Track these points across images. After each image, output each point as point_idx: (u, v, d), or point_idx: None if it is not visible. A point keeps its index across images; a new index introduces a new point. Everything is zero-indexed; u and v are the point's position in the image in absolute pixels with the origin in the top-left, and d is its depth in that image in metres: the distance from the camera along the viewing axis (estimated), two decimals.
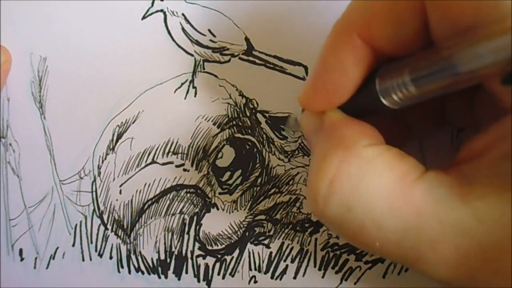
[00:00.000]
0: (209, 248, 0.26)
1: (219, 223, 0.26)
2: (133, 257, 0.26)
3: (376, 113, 0.19)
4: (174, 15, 0.26)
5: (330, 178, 0.17)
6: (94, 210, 0.27)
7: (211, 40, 0.26)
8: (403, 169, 0.17)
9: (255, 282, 0.26)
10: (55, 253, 0.27)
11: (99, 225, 0.27)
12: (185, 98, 0.26)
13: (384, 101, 0.17)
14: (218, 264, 0.26)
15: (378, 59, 0.18)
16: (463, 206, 0.15)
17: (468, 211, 0.15)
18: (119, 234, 0.27)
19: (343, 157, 0.17)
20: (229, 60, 0.26)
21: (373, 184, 0.16)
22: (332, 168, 0.17)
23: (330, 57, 0.18)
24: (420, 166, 0.17)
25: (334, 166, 0.17)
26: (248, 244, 0.26)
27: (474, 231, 0.15)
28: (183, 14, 0.26)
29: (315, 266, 0.25)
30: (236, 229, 0.26)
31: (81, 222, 0.27)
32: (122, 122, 0.26)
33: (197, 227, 0.26)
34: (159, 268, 0.26)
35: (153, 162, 0.26)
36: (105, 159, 0.27)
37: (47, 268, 0.27)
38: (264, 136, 0.26)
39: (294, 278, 0.25)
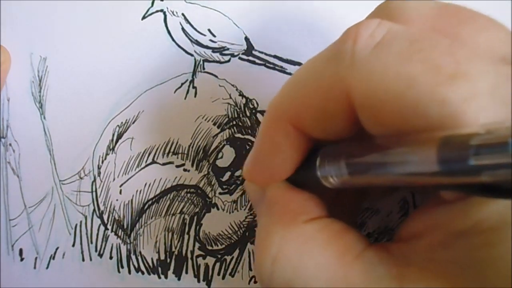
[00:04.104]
0: (209, 248, 0.26)
1: (219, 223, 0.26)
2: (133, 257, 0.26)
3: (320, 188, 0.18)
4: (174, 15, 0.26)
5: (273, 257, 0.17)
6: (94, 210, 0.27)
7: (211, 40, 0.26)
8: (344, 246, 0.17)
9: (255, 282, 0.26)
10: (55, 253, 0.27)
11: (99, 225, 0.27)
12: (185, 98, 0.26)
13: (325, 183, 0.17)
14: (218, 264, 0.26)
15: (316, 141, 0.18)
16: None
17: None
18: (119, 234, 0.27)
19: (283, 235, 0.17)
20: (229, 60, 0.26)
21: (312, 263, 0.16)
22: (274, 247, 0.17)
23: (267, 140, 0.18)
24: (362, 241, 0.17)
25: (276, 244, 0.17)
26: (248, 244, 0.26)
27: None
28: (183, 14, 0.26)
29: None
30: (236, 229, 0.26)
31: (81, 222, 0.27)
32: (122, 122, 0.26)
33: (197, 227, 0.26)
34: (159, 268, 0.26)
35: (153, 162, 0.26)
36: (105, 159, 0.27)
37: (47, 268, 0.27)
38: None
39: None
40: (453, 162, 0.11)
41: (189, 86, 0.26)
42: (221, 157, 0.26)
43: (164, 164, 0.26)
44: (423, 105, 0.13)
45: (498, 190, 0.12)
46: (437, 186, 0.15)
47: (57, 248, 0.27)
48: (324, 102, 0.16)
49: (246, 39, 0.26)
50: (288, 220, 0.17)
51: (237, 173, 0.26)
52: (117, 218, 0.26)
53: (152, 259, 0.26)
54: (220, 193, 0.26)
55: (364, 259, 0.16)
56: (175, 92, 0.26)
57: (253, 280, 0.26)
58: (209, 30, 0.26)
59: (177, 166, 0.26)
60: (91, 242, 0.27)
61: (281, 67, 0.25)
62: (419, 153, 0.13)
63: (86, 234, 0.27)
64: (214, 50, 0.26)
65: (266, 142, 0.18)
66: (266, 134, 0.18)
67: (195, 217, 0.26)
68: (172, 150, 0.26)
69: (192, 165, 0.26)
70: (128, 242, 0.26)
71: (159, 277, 0.26)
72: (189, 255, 0.26)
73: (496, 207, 0.14)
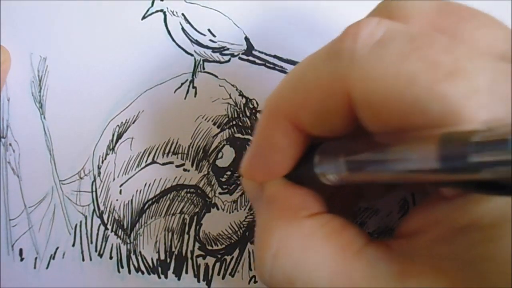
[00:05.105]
0: (209, 248, 0.26)
1: (219, 223, 0.26)
2: (133, 257, 0.26)
3: (318, 185, 0.18)
4: (174, 15, 0.26)
5: (274, 253, 0.17)
6: (94, 210, 0.27)
7: (211, 40, 0.26)
8: (345, 241, 0.17)
9: (255, 282, 0.26)
10: (55, 253, 0.27)
11: (99, 225, 0.27)
12: (185, 98, 0.26)
13: (323, 180, 0.17)
14: (218, 264, 0.26)
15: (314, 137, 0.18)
16: (399, 284, 0.15)
17: None
18: (119, 234, 0.27)
19: (284, 230, 0.17)
20: (229, 60, 0.26)
21: (313, 258, 0.16)
22: (275, 242, 0.17)
23: (265, 138, 0.18)
24: (362, 237, 0.17)
25: (276, 240, 0.17)
26: (248, 244, 0.26)
27: None
28: (183, 14, 0.26)
29: None
30: (236, 229, 0.26)
31: (81, 222, 0.27)
32: (122, 122, 0.26)
33: (197, 227, 0.26)
34: (159, 268, 0.26)
35: (153, 162, 0.26)
36: (105, 159, 0.27)
37: (47, 268, 0.27)
38: None
39: None
40: (453, 159, 0.11)
41: (189, 86, 0.26)
42: (221, 157, 0.26)
43: (164, 164, 0.26)
44: (423, 103, 0.13)
45: (497, 187, 0.12)
46: (436, 183, 0.15)
47: (57, 248, 0.27)
48: (323, 100, 0.16)
49: (246, 39, 0.26)
50: (289, 216, 0.17)
51: (237, 173, 0.26)
52: (117, 218, 0.26)
53: (152, 259, 0.26)
54: (220, 193, 0.26)
55: (365, 255, 0.16)
56: (175, 92, 0.26)
57: (253, 280, 0.26)
58: (209, 30, 0.26)
59: (177, 166, 0.26)
60: (91, 242, 0.27)
61: (281, 67, 0.25)
62: (419, 150, 0.13)
63: (86, 234, 0.27)
64: (214, 50, 0.26)
65: (263, 139, 0.18)
66: (264, 131, 0.18)
67: (195, 217, 0.26)
68: (172, 150, 0.26)
69: (192, 165, 0.26)
70: (128, 242, 0.26)
71: (159, 277, 0.26)
72: (189, 255, 0.26)
73: (496, 203, 0.14)
